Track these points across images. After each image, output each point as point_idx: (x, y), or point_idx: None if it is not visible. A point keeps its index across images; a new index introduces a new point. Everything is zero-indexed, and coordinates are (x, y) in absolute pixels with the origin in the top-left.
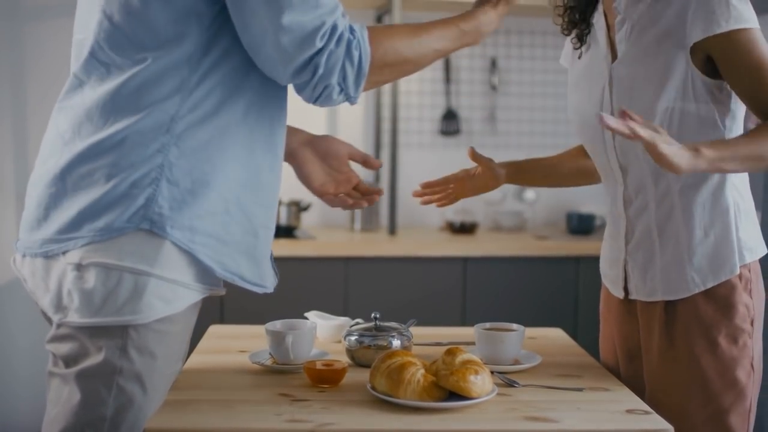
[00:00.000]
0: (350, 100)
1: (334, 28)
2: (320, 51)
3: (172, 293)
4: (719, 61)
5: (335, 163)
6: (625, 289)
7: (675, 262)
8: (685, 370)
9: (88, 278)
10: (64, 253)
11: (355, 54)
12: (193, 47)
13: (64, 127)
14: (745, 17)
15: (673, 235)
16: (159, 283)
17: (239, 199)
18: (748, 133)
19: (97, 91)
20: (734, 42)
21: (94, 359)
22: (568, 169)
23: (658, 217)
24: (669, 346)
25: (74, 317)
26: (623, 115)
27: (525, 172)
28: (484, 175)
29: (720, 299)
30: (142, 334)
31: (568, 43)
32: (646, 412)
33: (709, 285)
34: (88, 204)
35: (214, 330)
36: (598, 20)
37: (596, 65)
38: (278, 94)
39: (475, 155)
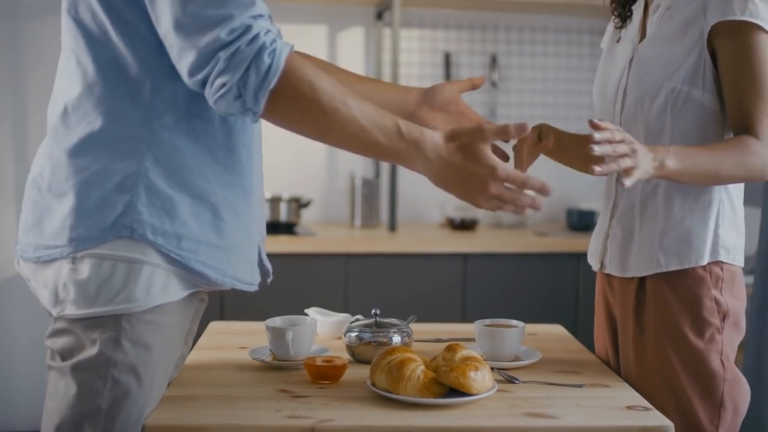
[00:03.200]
0: (248, 112)
1: (248, 27)
2: (226, 45)
3: (167, 280)
4: (721, 50)
5: (453, 107)
6: (601, 263)
7: (649, 240)
8: (652, 358)
9: (82, 270)
10: (54, 260)
11: (266, 61)
12: (151, 41)
13: (47, 130)
14: (762, 16)
15: (652, 213)
16: (154, 270)
17: (227, 202)
18: (714, 147)
19: (70, 93)
20: (742, 34)
21: (89, 352)
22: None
23: (642, 193)
24: (639, 333)
25: (71, 309)
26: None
27: None
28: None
29: (685, 290)
30: (135, 325)
31: (609, 27)
32: (646, 409)
33: (672, 268)
34: (69, 211)
35: (215, 326)
36: (638, 5)
37: (625, 46)
38: None
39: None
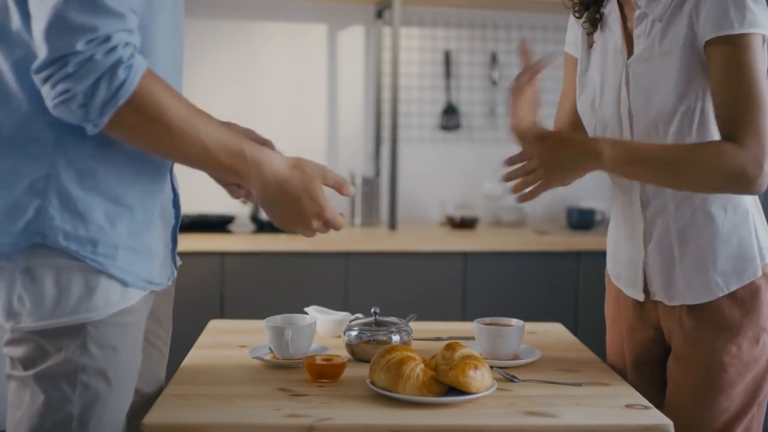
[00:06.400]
0: (89, 123)
1: (107, 37)
2: (78, 54)
3: (125, 286)
4: (717, 61)
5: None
6: (645, 291)
7: (697, 266)
8: (709, 374)
9: (38, 280)
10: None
11: (120, 76)
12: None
13: None
14: (760, 22)
15: (693, 238)
16: (111, 278)
17: (143, 203)
18: (672, 145)
19: None
20: (741, 46)
21: (55, 359)
22: None
23: (677, 220)
24: (693, 351)
25: (28, 322)
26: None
27: None
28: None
29: (746, 302)
30: (101, 329)
31: (572, 29)
32: (645, 407)
33: (733, 288)
34: None
35: (214, 325)
36: (612, 10)
37: (610, 58)
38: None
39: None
